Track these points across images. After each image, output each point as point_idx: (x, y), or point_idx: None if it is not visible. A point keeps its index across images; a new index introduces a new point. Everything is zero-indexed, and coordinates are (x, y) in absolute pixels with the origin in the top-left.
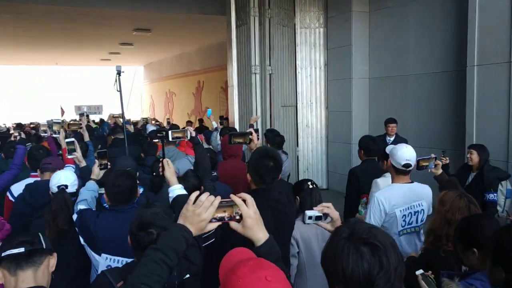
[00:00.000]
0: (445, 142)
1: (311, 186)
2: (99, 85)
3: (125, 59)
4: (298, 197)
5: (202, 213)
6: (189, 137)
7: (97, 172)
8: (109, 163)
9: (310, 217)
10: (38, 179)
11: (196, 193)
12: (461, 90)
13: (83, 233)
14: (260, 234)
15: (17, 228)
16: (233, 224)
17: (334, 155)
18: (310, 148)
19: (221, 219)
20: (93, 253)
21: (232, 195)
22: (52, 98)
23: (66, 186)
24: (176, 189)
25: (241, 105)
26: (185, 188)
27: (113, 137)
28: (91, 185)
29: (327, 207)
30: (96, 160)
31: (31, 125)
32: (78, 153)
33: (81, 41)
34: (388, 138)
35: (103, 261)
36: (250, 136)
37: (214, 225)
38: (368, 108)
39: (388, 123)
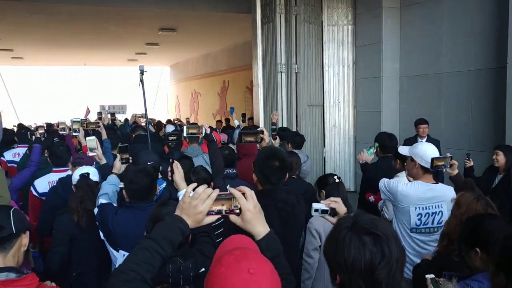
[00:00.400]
0: (482, 143)
1: (337, 181)
2: (125, 85)
3: (152, 60)
4: (323, 191)
5: (198, 205)
6: (203, 134)
7: (118, 166)
8: (130, 158)
9: (316, 210)
10: (62, 174)
11: (194, 185)
12: (500, 89)
13: (103, 227)
14: (259, 228)
15: (48, 221)
16: (232, 218)
17: None
18: (337, 149)
19: (219, 212)
20: (111, 248)
21: (231, 188)
22: (78, 98)
23: (88, 174)
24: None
25: (266, 104)
26: (196, 182)
27: (134, 135)
28: (112, 179)
29: (335, 202)
30: (118, 155)
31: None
32: (99, 151)
33: (109, 42)
34: (419, 140)
35: (120, 258)
36: (261, 135)
37: (213, 218)
38: (399, 108)
39: (418, 124)
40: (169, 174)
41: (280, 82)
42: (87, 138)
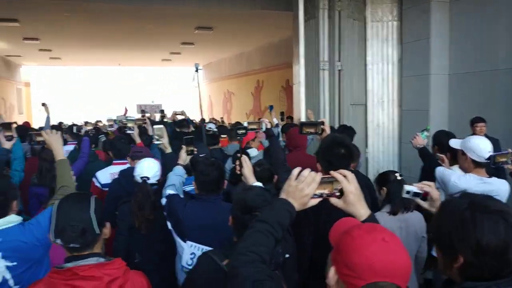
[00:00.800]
0: None
1: (399, 178)
2: (158, 85)
3: (185, 60)
4: (384, 188)
5: (304, 188)
6: (264, 129)
7: (184, 157)
8: (195, 149)
9: (408, 192)
10: (122, 166)
11: (298, 169)
12: None
13: (171, 218)
14: (362, 210)
15: (112, 212)
16: (333, 200)
17: (408, 157)
18: (380, 150)
19: (321, 195)
20: (179, 239)
21: (332, 171)
22: (112, 98)
23: (148, 178)
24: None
25: (308, 103)
26: (259, 177)
27: (178, 130)
28: (178, 170)
29: (428, 186)
30: (183, 146)
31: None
32: (165, 140)
33: (144, 41)
34: None
35: (187, 248)
36: (322, 126)
37: (316, 201)
38: (448, 107)
39: (475, 122)
40: (237, 168)
41: (322, 80)
42: (155, 127)
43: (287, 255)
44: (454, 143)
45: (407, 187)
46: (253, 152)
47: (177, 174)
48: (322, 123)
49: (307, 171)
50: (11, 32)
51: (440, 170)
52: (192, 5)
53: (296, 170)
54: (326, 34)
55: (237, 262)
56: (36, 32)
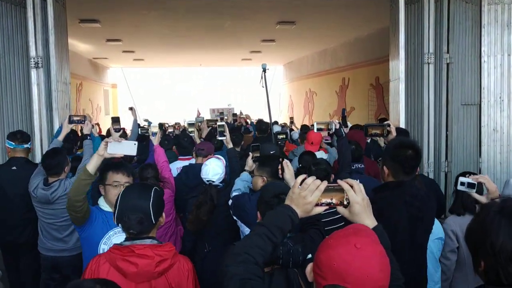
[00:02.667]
0: None
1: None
2: (233, 87)
3: (266, 59)
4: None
5: (307, 195)
6: (333, 130)
7: (250, 164)
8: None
9: (462, 183)
10: (186, 162)
11: (302, 176)
12: None
13: (239, 213)
14: (367, 221)
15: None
16: (340, 209)
17: None
18: (498, 159)
19: (328, 203)
20: (246, 228)
21: (339, 180)
22: (184, 99)
23: (213, 181)
24: None
25: (409, 102)
26: (316, 175)
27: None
28: (245, 176)
29: (484, 178)
30: (250, 153)
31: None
32: (227, 136)
33: (224, 40)
34: None
35: None
36: (388, 128)
37: (321, 209)
38: None
39: None
40: (280, 172)
41: (427, 76)
42: (218, 123)
43: (309, 256)
44: None
45: (461, 179)
46: (318, 154)
47: (243, 180)
48: (389, 124)
49: (311, 179)
50: (94, 34)
51: None
52: None
53: (299, 178)
54: (432, 21)
55: (230, 260)
56: (117, 32)
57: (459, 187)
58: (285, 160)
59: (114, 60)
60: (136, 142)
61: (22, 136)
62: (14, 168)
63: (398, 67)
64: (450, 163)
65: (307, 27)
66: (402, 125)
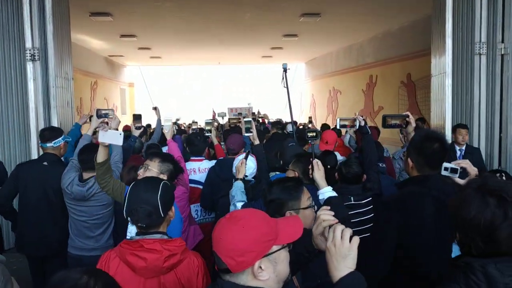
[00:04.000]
0: None
1: (504, 178)
2: (252, 85)
3: (287, 56)
4: None
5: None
6: (357, 126)
7: (242, 170)
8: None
9: (446, 169)
10: (199, 163)
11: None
12: None
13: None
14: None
15: (209, 192)
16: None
17: None
18: None
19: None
20: None
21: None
22: (200, 98)
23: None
24: (327, 192)
25: (456, 99)
26: (346, 175)
27: (272, 132)
28: (239, 185)
29: (465, 163)
30: (244, 160)
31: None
32: (254, 132)
33: (244, 34)
34: None
35: None
36: (407, 119)
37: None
38: None
39: None
40: (310, 171)
41: (477, 68)
42: (245, 120)
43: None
44: None
45: (445, 164)
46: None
47: (241, 190)
48: (407, 115)
49: (339, 241)
50: (108, 29)
51: None
52: None
53: (338, 230)
54: (484, 6)
55: None
56: (131, 27)
57: (443, 172)
58: (316, 160)
59: (130, 57)
60: (122, 132)
61: (44, 134)
62: (45, 163)
63: (443, 59)
64: (504, 170)
65: (333, 20)
66: (448, 126)
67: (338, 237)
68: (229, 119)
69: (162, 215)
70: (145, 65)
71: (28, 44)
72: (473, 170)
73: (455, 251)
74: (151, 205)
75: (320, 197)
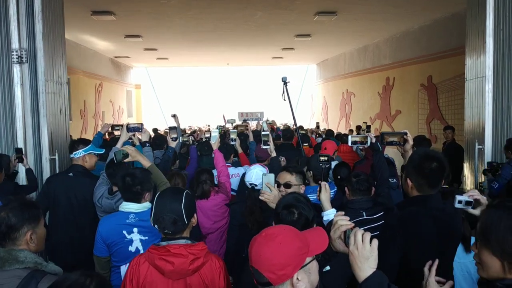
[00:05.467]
0: None
1: None
2: (265, 88)
3: (298, 57)
4: None
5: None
6: (369, 143)
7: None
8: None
9: (460, 202)
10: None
11: (361, 232)
12: None
13: None
14: (361, 272)
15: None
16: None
17: None
18: None
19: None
20: None
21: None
22: (209, 100)
23: (256, 185)
24: (331, 214)
25: (497, 104)
26: (358, 189)
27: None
28: None
29: (476, 193)
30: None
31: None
32: (271, 145)
33: (255, 34)
34: None
35: None
36: (405, 136)
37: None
38: None
39: None
40: (318, 193)
41: None
42: (262, 133)
43: (327, 267)
44: None
45: (458, 197)
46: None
47: None
48: (405, 133)
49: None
50: (111, 29)
51: None
52: None
53: (359, 234)
54: None
55: None
56: (136, 27)
57: (457, 205)
58: (324, 182)
59: (136, 59)
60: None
61: (70, 145)
62: (70, 174)
63: (481, 61)
64: None
65: (349, 19)
66: (489, 137)
67: (359, 241)
68: (236, 125)
69: (186, 222)
70: (152, 67)
71: (15, 45)
72: (483, 199)
73: (459, 254)
74: (176, 213)
75: (325, 218)
